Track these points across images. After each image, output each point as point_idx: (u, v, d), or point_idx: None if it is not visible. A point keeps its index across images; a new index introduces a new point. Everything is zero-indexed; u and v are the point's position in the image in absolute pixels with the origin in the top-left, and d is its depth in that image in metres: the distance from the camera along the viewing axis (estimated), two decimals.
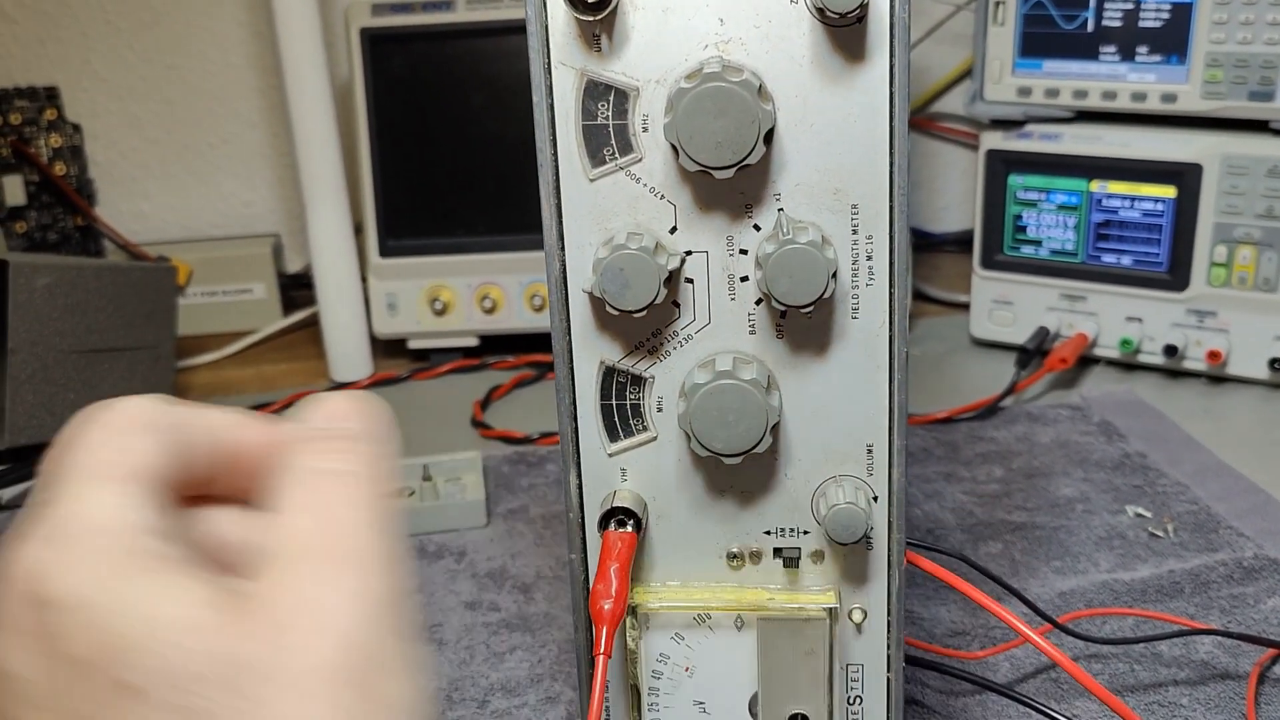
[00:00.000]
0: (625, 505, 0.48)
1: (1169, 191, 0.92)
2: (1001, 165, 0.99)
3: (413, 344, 1.08)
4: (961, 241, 1.28)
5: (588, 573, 0.50)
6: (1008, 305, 1.01)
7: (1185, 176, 0.91)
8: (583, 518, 0.49)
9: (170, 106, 1.23)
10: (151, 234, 1.24)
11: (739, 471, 0.48)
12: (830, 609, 0.48)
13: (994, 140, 0.99)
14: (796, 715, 0.49)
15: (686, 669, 0.50)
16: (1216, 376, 0.95)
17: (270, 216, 1.26)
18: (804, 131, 0.44)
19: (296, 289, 1.21)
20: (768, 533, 0.49)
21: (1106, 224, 0.96)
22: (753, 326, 0.46)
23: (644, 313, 0.45)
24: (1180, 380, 0.96)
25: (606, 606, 0.46)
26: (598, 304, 0.46)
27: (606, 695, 0.49)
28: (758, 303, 0.46)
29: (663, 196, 0.45)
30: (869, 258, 0.45)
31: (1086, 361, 1.00)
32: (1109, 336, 0.97)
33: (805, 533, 0.49)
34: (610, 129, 0.45)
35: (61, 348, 0.86)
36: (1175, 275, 0.93)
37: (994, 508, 0.77)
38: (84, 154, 1.19)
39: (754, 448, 0.45)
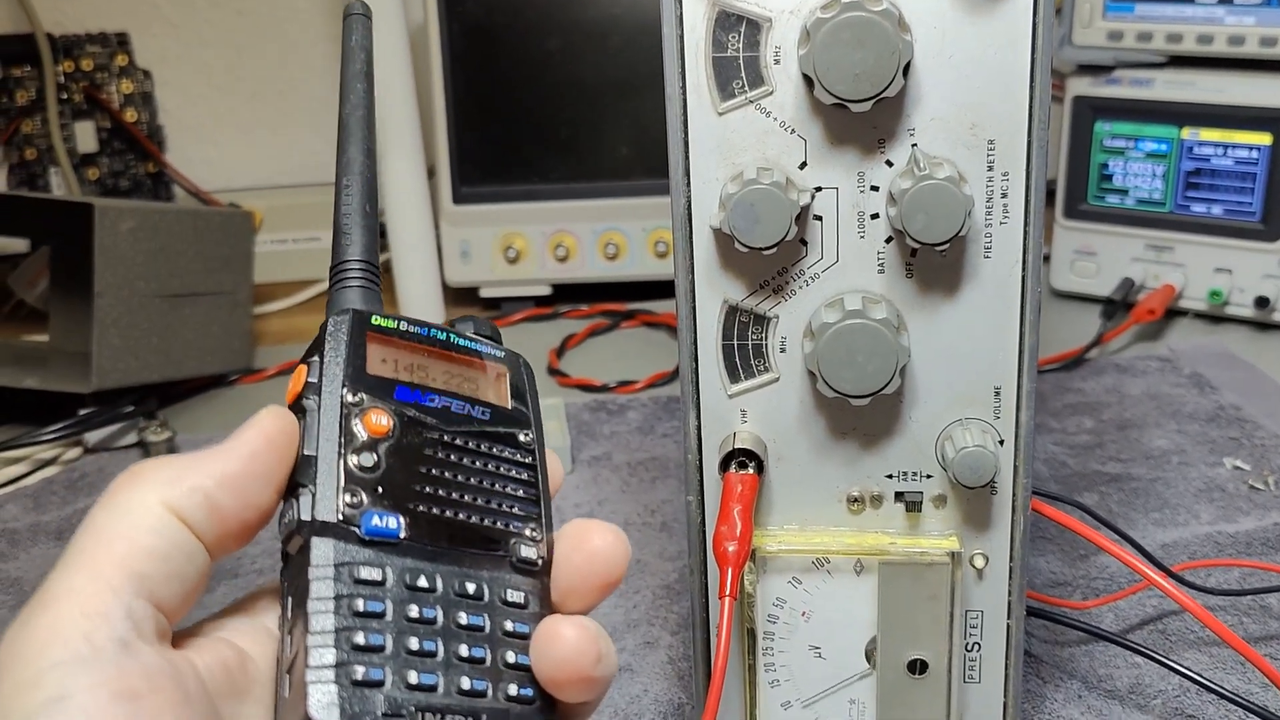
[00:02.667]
0: (746, 447, 0.47)
1: (1264, 138, 0.89)
2: (1089, 112, 0.96)
3: (485, 292, 1.08)
4: None
5: (704, 515, 0.49)
6: (1091, 256, 0.99)
7: None
8: (700, 460, 0.49)
9: (239, 53, 1.23)
10: (220, 181, 1.24)
11: (863, 414, 0.47)
12: (953, 553, 0.47)
13: (1081, 86, 0.96)
14: (916, 661, 0.49)
15: (803, 614, 0.49)
16: None
17: None
18: (942, 64, 0.43)
19: None
20: (890, 476, 0.48)
21: (1197, 172, 0.93)
22: (881, 265, 0.45)
23: (773, 250, 0.44)
24: (1270, 333, 0.94)
25: (731, 548, 0.45)
26: (724, 241, 0.45)
27: None
28: (887, 241, 0.45)
29: (793, 131, 0.44)
30: (1004, 195, 0.44)
31: (1172, 314, 0.98)
32: (1196, 288, 0.95)
33: (928, 476, 0.48)
34: (741, 61, 0.44)
35: (145, 292, 0.86)
36: (1268, 225, 0.91)
37: (1087, 459, 0.76)
38: (154, 100, 1.19)
39: (883, 389, 0.45)
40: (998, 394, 0.47)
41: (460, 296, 1.09)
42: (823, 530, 0.49)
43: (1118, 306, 0.95)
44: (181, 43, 1.21)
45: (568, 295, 1.08)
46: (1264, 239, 0.91)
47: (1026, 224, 0.44)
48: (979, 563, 0.48)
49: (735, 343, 0.47)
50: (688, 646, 0.61)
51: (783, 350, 0.47)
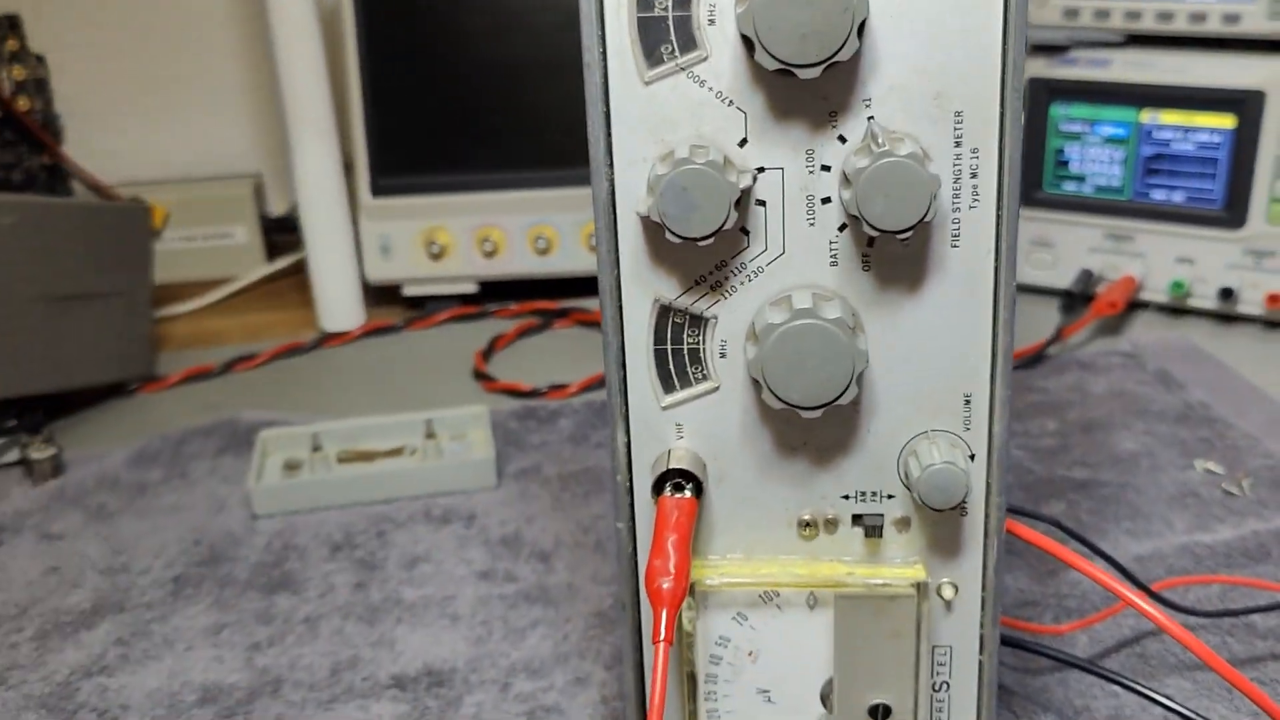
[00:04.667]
0: (682, 466, 0.41)
1: (1228, 121, 0.85)
2: (1044, 94, 0.91)
3: (408, 290, 1.01)
4: None
5: (636, 544, 0.43)
6: (1048, 247, 0.95)
7: (1246, 104, 0.84)
8: (631, 481, 0.42)
9: (142, 36, 1.15)
10: (124, 174, 1.15)
11: (815, 427, 0.41)
12: (919, 584, 0.42)
13: (1036, 67, 0.91)
14: (878, 705, 0.43)
15: (750, 654, 0.43)
16: (1274, 321, 0.88)
17: (251, 154, 1.18)
18: (902, 23, 0.37)
19: (280, 233, 1.13)
20: (846, 497, 0.42)
21: (1157, 158, 0.89)
22: (834, 257, 0.39)
23: (709, 240, 0.38)
24: (1234, 326, 0.90)
25: (665, 585, 0.39)
26: (653, 231, 0.39)
27: None
28: (841, 228, 0.39)
29: (731, 103, 0.38)
30: (973, 175, 0.38)
31: (1133, 306, 0.93)
32: (1158, 279, 0.91)
33: (890, 497, 0.42)
34: (670, 21, 0.37)
35: (27, 294, 0.79)
36: (1232, 212, 0.87)
37: (1052, 464, 0.71)
38: (49, 88, 1.11)
39: (837, 399, 0.39)
40: (968, 402, 0.41)
41: (381, 295, 1.03)
42: (771, 559, 0.43)
43: (1077, 299, 0.91)
44: (78, 25, 1.13)
45: (496, 293, 1.01)
46: (1227, 227, 0.87)
47: (1000, 208, 0.39)
48: (947, 593, 0.43)
49: (669, 347, 0.41)
50: (622, 684, 0.55)
51: (723, 355, 0.41)
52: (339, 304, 0.99)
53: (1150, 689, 0.50)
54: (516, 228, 0.98)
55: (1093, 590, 0.59)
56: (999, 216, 0.39)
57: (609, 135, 0.39)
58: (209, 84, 1.16)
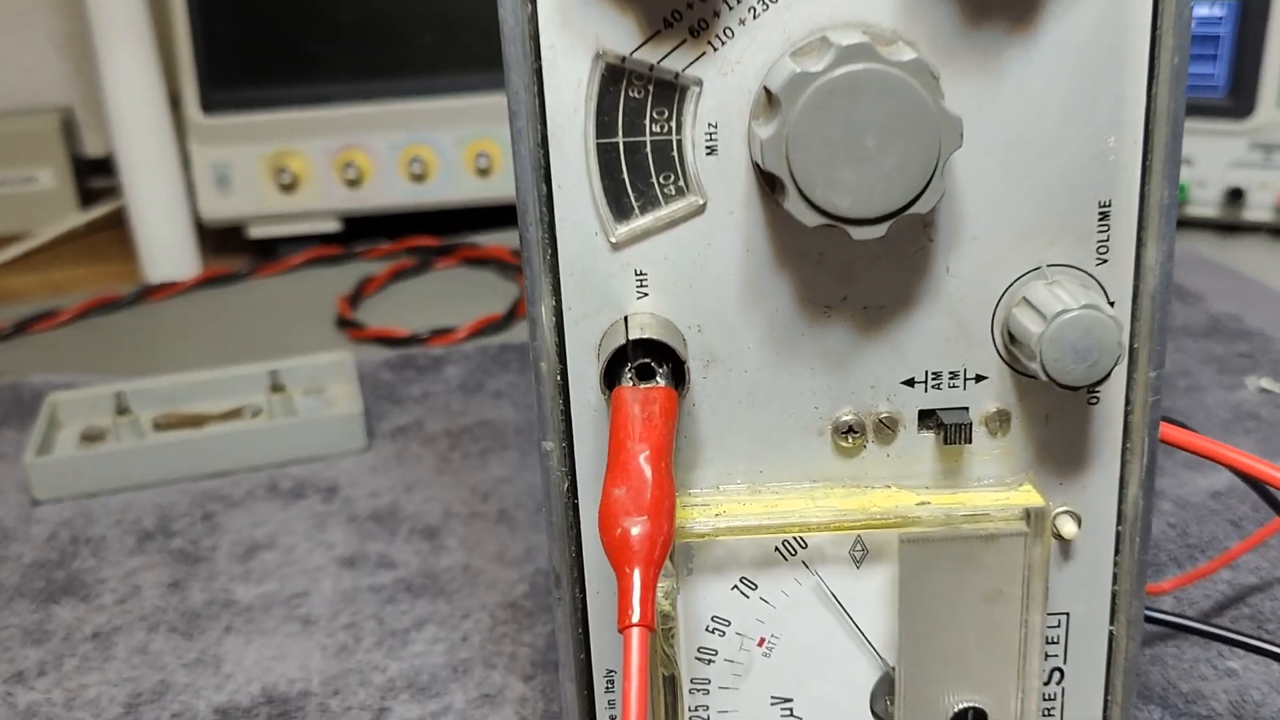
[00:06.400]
0: (652, 337, 0.25)
1: None
2: None
3: (254, 231, 0.83)
4: None
5: (576, 475, 0.27)
6: None
7: None
8: (564, 371, 0.26)
9: None
10: None
11: (863, 265, 0.25)
12: (1032, 512, 0.26)
13: None
14: (968, 710, 0.27)
15: (760, 641, 0.27)
16: None
17: (59, 84, 0.98)
18: None
19: (97, 176, 0.93)
20: (910, 382, 0.26)
21: None
22: None
23: None
24: (1240, 236, 0.77)
25: (636, 530, 0.23)
26: None
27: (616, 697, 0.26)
28: None
29: None
30: None
31: None
32: None
33: (981, 379, 0.26)
34: None
35: None
36: (1237, 99, 0.74)
37: None
38: None
39: (913, 203, 0.23)
40: (1104, 217, 0.25)
41: (221, 239, 0.85)
42: (794, 489, 0.27)
43: None
44: None
45: (364, 230, 0.84)
46: (1232, 117, 0.74)
47: None
48: (1068, 529, 0.27)
49: (620, 140, 0.25)
50: (550, 699, 0.38)
51: (711, 150, 0.25)
52: (166, 250, 0.80)
53: None
54: (386, 150, 0.81)
55: (1168, 538, 0.45)
56: None
57: None
58: None
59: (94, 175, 0.95)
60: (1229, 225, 0.77)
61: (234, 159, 0.80)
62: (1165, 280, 0.25)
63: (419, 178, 0.81)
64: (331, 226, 0.83)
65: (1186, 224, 0.78)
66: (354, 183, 0.81)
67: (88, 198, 0.93)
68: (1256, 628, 0.41)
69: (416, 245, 0.81)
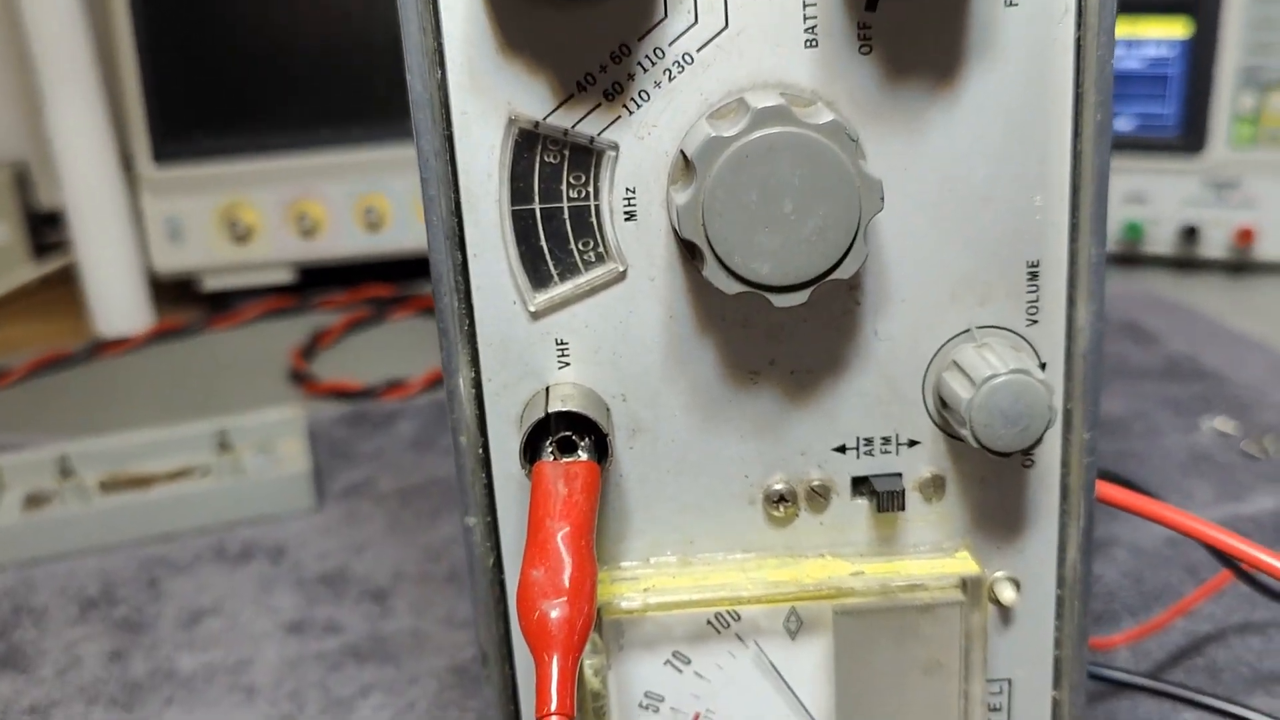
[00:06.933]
0: (573, 409, 0.24)
1: (1181, 29, 0.72)
2: None
3: (209, 284, 0.82)
4: None
5: (501, 550, 0.26)
6: None
7: (1203, 5, 0.71)
8: (486, 445, 0.25)
9: None
10: None
11: (789, 330, 0.25)
12: (970, 580, 0.26)
13: None
14: None
15: (695, 717, 0.27)
16: (1243, 265, 0.76)
17: (11, 137, 0.97)
18: None
19: (51, 229, 0.92)
20: (841, 449, 0.26)
21: None
22: (812, 33, 0.23)
23: None
24: (1197, 274, 0.77)
25: (555, 614, 0.22)
26: None
27: None
28: None
29: None
30: None
31: None
32: (1109, 223, 0.77)
33: (914, 443, 0.26)
34: None
35: None
36: (1188, 136, 0.74)
37: None
38: None
39: (835, 267, 0.22)
40: (1033, 276, 0.25)
41: (174, 292, 0.83)
42: (725, 559, 0.26)
43: None
44: None
45: (318, 280, 0.83)
46: (1184, 153, 0.74)
47: None
48: (1006, 595, 0.27)
49: (537, 207, 0.24)
50: None
51: (630, 216, 0.24)
52: (118, 303, 0.79)
53: (1241, 706, 0.35)
54: (340, 199, 0.80)
55: (1121, 587, 0.44)
56: None
57: None
58: None
59: (48, 229, 0.93)
60: (1184, 262, 0.77)
61: (186, 210, 0.79)
62: (1096, 340, 0.25)
63: (374, 226, 0.80)
64: (285, 277, 0.82)
65: (1142, 262, 0.78)
66: (309, 232, 0.80)
67: (41, 251, 0.92)
68: (1211, 679, 0.40)
69: (372, 295, 0.81)
